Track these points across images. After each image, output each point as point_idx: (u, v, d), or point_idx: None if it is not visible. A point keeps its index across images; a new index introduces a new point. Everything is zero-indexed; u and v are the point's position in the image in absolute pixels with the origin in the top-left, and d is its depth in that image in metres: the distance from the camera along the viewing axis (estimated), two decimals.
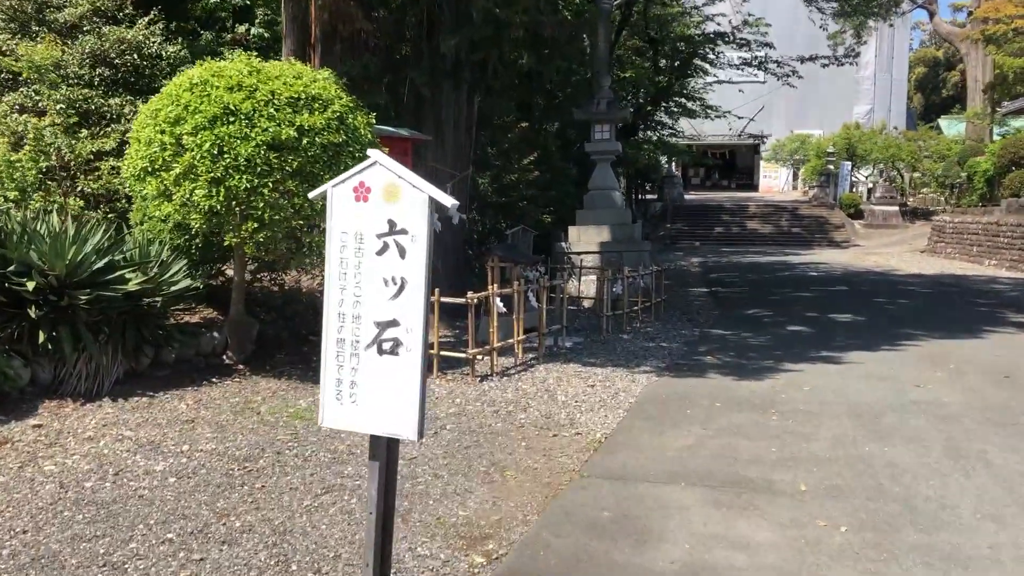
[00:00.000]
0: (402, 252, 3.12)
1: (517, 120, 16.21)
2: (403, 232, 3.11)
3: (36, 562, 4.25)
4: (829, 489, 5.34)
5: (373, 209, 3.15)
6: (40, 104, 11.56)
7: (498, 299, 8.96)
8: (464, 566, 4.32)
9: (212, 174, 7.49)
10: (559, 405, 7.59)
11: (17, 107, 11.72)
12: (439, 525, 4.82)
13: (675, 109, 24.82)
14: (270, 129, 7.54)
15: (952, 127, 48.01)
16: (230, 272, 9.54)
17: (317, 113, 7.88)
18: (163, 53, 13.10)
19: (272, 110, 7.66)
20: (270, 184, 7.49)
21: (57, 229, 7.86)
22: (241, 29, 16.58)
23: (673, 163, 42.14)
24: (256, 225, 7.68)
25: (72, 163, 10.93)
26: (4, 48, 12.64)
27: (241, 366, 8.60)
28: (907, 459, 5.97)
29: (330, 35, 11.20)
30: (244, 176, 7.47)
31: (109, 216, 10.30)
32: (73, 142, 10.96)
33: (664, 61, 21.67)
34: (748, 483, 5.46)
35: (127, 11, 13.35)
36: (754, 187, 53.14)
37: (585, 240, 14.66)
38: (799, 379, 8.70)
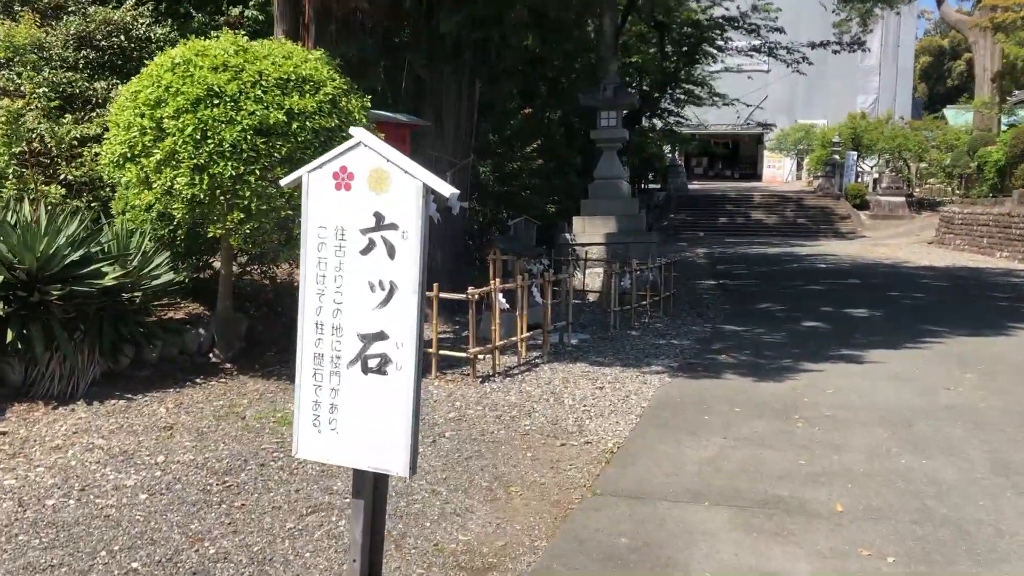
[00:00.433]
0: (391, 251, 2.61)
1: (520, 106, 15.65)
2: (392, 227, 2.60)
3: None
4: (869, 511, 4.83)
5: (357, 200, 2.64)
6: (22, 88, 11.02)
7: (500, 294, 8.44)
8: None
9: (195, 160, 6.97)
10: (566, 409, 7.08)
11: None
12: (437, 553, 4.32)
13: (681, 96, 24.21)
14: (257, 112, 7.03)
15: (958, 117, 47.37)
16: (218, 264, 9.03)
17: (308, 95, 7.35)
18: (152, 35, 12.55)
19: (259, 92, 7.14)
20: (257, 171, 6.97)
21: (29, 219, 7.34)
22: (235, 11, 16.03)
23: (676, 152, 41.54)
24: (242, 216, 7.16)
25: (54, 149, 10.42)
26: None
27: (228, 365, 8.09)
28: (950, 474, 5.46)
29: (324, 16, 10.65)
30: (229, 163, 6.95)
31: (93, 205, 9.79)
32: (55, 127, 10.44)
33: (671, 47, 21.06)
34: (779, 502, 4.95)
35: None
36: (757, 177, 52.56)
37: (590, 231, 14.14)
38: (821, 380, 8.19)
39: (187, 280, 8.54)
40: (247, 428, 6.26)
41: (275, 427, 6.29)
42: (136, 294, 7.56)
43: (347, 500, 4.86)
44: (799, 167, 50.70)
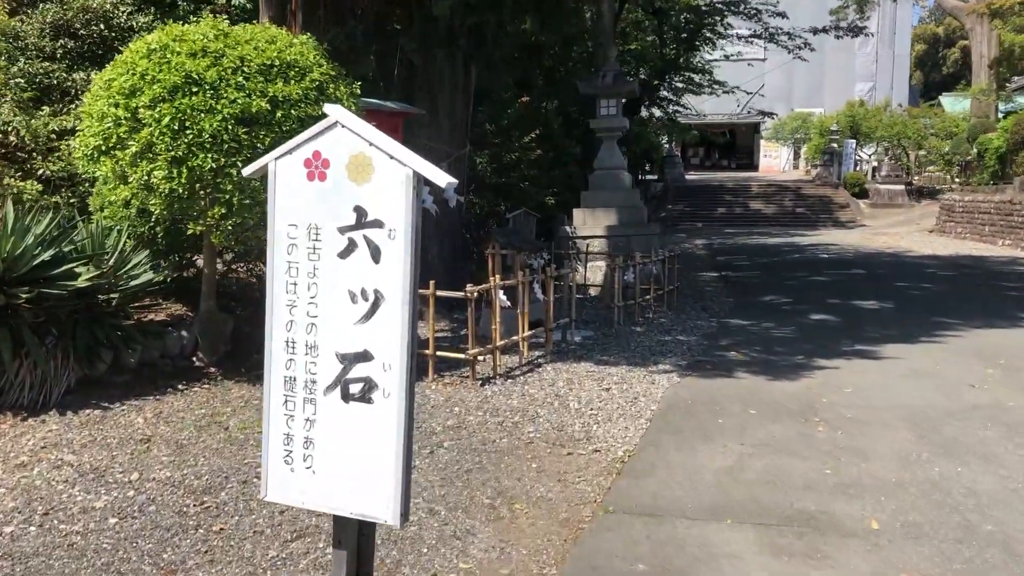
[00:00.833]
0: (375, 254, 2.19)
1: (517, 96, 15.19)
2: (376, 224, 2.18)
3: None
4: (907, 528, 4.42)
5: (334, 192, 2.22)
6: None
7: (501, 292, 8.01)
8: None
9: (173, 152, 6.53)
10: (572, 414, 6.66)
11: None
12: None
13: (680, 84, 23.72)
14: (239, 100, 6.59)
15: (955, 104, 46.94)
16: (202, 263, 8.58)
17: (293, 82, 6.91)
18: (134, 24, 12.07)
19: (241, 79, 6.71)
20: (239, 163, 6.51)
21: None
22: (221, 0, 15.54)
23: (672, 143, 41.09)
24: (224, 211, 6.73)
25: (30, 143, 9.96)
26: None
27: (213, 369, 7.66)
28: (989, 484, 5.05)
29: (312, 0, 10.17)
30: (209, 155, 6.51)
31: (71, 202, 9.35)
32: (30, 120, 9.98)
33: (671, 32, 20.58)
34: (808, 519, 4.54)
35: None
36: (754, 167, 52.14)
37: (591, 223, 13.70)
38: (837, 378, 7.78)
39: (168, 279, 8.10)
40: (230, 440, 5.83)
41: (260, 438, 5.83)
42: (113, 295, 7.12)
43: None
44: (796, 156, 50.33)
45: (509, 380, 7.70)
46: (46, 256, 6.57)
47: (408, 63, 10.69)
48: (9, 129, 9.84)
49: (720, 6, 20.58)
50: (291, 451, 2.33)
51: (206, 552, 4.16)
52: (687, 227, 31.33)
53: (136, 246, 7.73)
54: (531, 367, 8.22)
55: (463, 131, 11.45)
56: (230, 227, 6.80)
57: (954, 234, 27.47)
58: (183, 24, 7.84)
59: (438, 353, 7.67)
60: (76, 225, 7.46)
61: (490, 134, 13.63)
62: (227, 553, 4.15)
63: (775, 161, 51.76)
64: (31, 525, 4.44)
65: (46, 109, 10.52)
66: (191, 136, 6.49)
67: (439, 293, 7.64)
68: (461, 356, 7.62)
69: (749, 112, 31.96)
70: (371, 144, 2.17)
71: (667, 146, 39.89)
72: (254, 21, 9.85)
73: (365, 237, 2.22)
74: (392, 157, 2.15)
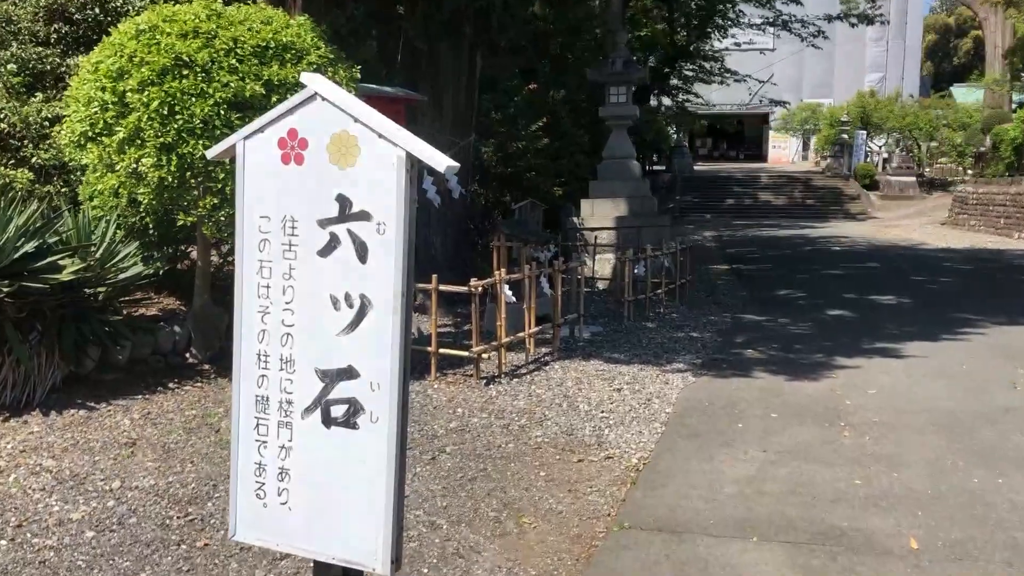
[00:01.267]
0: (362, 251, 1.85)
1: (523, 83, 14.79)
2: (363, 216, 1.84)
3: None
4: (949, 547, 4.06)
5: (313, 177, 1.87)
6: None
7: (507, 287, 7.66)
8: None
9: (162, 139, 6.20)
10: (582, 417, 6.32)
11: None
12: None
13: (689, 73, 23.27)
14: (232, 84, 6.25)
15: (968, 95, 46.44)
16: (196, 255, 8.25)
17: (289, 65, 6.56)
18: (131, 7, 11.73)
19: (234, 61, 6.36)
20: None
21: None
22: None
23: (680, 133, 40.65)
24: (217, 201, 6.39)
25: (22, 130, 9.63)
26: None
27: (206, 366, 7.33)
28: None
29: None
30: (201, 141, 6.16)
31: (63, 191, 9.03)
32: (21, 106, 9.64)
33: (681, 19, 20.13)
34: (840, 536, 4.19)
35: None
36: (763, 158, 51.71)
37: (599, 214, 13.32)
38: (860, 378, 7.42)
39: (160, 272, 7.76)
40: (220, 443, 5.49)
41: None
42: (100, 289, 6.79)
43: None
44: (805, 147, 49.90)
45: (515, 379, 7.35)
46: (29, 248, 6.23)
47: (411, 48, 10.31)
48: (0, 116, 9.52)
49: None
50: (263, 483, 2.00)
51: (188, 571, 3.84)
52: (695, 218, 30.94)
53: (126, 237, 7.39)
54: (538, 365, 7.87)
55: (468, 119, 11.08)
56: (223, 218, 6.46)
57: (967, 226, 27.03)
58: (175, 4, 7.49)
59: (440, 350, 7.33)
60: (62, 215, 7.12)
61: (496, 122, 13.24)
62: (210, 572, 3.82)
63: (784, 152, 51.33)
64: (1, 538, 4.11)
65: (39, 95, 10.18)
66: (181, 121, 6.16)
67: (442, 287, 7.29)
68: (465, 354, 7.28)
69: (761, 101, 31.48)
70: (356, 120, 1.84)
71: (675, 136, 39.45)
72: (249, 1, 9.50)
73: (349, 232, 1.88)
74: (381, 136, 1.81)
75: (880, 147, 42.33)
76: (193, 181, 6.39)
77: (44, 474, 4.92)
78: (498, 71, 13.61)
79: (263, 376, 1.99)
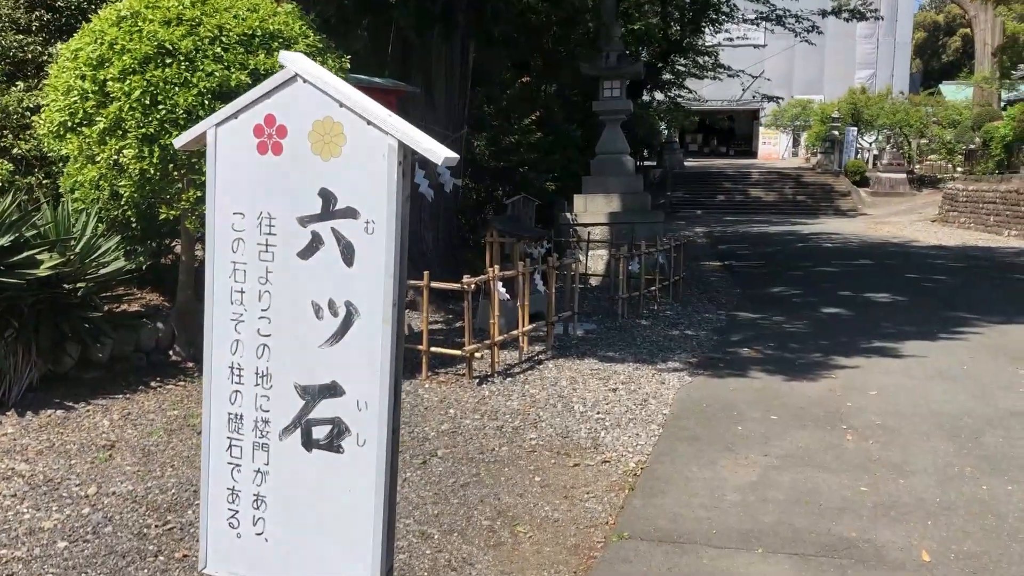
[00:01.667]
0: (348, 253, 1.67)
1: (516, 76, 14.58)
2: (349, 214, 1.66)
3: None
4: (963, 560, 3.90)
5: (293, 169, 1.68)
6: None
7: (500, 284, 7.46)
8: None
9: (144, 130, 5.98)
10: (577, 418, 6.13)
11: None
12: None
13: (682, 68, 23.08)
14: (216, 73, 6.04)
15: (958, 92, 46.42)
16: (180, 249, 8.03)
17: (276, 54, 6.32)
18: None
19: (219, 50, 6.14)
20: None
21: None
22: None
23: (671, 129, 40.48)
24: (200, 194, 6.17)
25: (1, 120, 9.37)
26: None
27: (190, 364, 7.13)
28: None
29: None
30: (184, 132, 5.93)
31: (44, 183, 8.79)
32: (1, 96, 9.38)
33: (675, 13, 19.92)
34: (849, 548, 4.02)
35: None
36: (753, 154, 51.62)
37: (592, 210, 13.14)
38: (860, 379, 7.26)
39: (143, 267, 7.54)
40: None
41: None
42: (80, 285, 6.56)
43: None
44: (795, 143, 49.83)
45: (508, 378, 7.17)
46: (4, 241, 6.01)
47: (403, 39, 10.09)
48: None
49: None
50: (237, 511, 1.81)
51: None
52: (687, 214, 30.82)
53: (108, 231, 7.16)
54: (531, 364, 7.68)
55: (460, 112, 10.87)
56: (206, 211, 6.24)
57: (957, 224, 26.98)
58: None
59: (432, 349, 7.13)
60: (40, 207, 6.88)
61: (488, 116, 13.03)
62: None
63: (774, 148, 51.25)
64: None
65: (20, 84, 9.93)
66: (164, 112, 5.95)
67: (434, 285, 7.09)
68: (457, 352, 7.08)
69: (754, 97, 31.32)
70: (342, 105, 1.64)
71: (666, 132, 39.29)
72: None
73: (334, 231, 1.69)
74: (370, 123, 1.62)
75: (870, 144, 42.31)
76: (176, 173, 6.19)
77: (16, 479, 4.70)
78: (490, 64, 13.39)
79: (236, 392, 1.79)
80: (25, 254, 6.10)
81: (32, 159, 9.14)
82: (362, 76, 8.28)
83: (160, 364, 7.08)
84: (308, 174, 1.71)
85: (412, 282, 7.02)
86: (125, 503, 4.43)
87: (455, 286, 7.06)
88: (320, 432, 1.75)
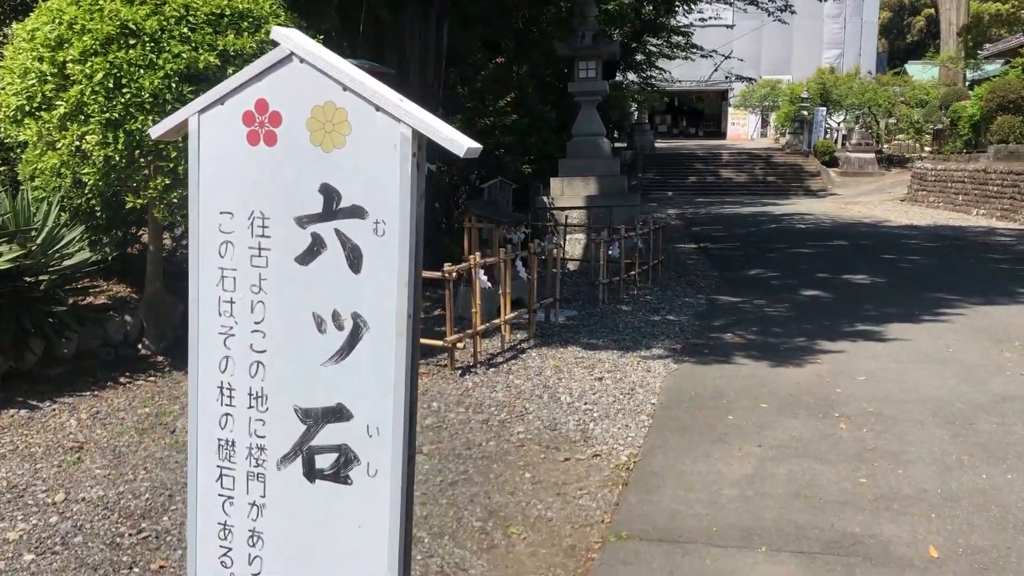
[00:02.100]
0: (354, 258, 1.47)
1: (488, 57, 14.32)
2: (355, 213, 1.47)
3: None
4: (972, 555, 3.78)
5: (289, 162, 1.48)
6: None
7: (481, 271, 7.26)
8: None
9: (107, 114, 5.71)
10: (564, 409, 5.97)
11: None
12: None
13: (654, 48, 22.91)
14: (183, 55, 5.78)
15: (924, 72, 46.71)
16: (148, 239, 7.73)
17: (246, 35, 6.10)
18: None
19: (186, 30, 5.89)
20: None
21: None
22: None
23: (641, 110, 40.35)
24: (168, 181, 5.92)
25: None
26: None
27: (160, 358, 6.87)
28: None
29: None
30: (150, 116, 5.69)
31: (1, 170, 8.42)
32: None
33: None
34: (854, 545, 3.89)
35: None
36: (722, 135, 51.71)
37: (569, 194, 12.95)
38: (846, 364, 7.17)
39: (109, 258, 7.24)
40: (176, 445, 5.05)
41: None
42: (43, 277, 6.27)
43: None
44: (764, 124, 49.93)
45: (491, 368, 6.98)
46: None
47: (375, 18, 9.80)
48: None
49: None
50: (230, 549, 1.60)
51: None
52: (658, 196, 30.72)
53: (71, 221, 6.86)
54: (514, 353, 7.51)
55: (435, 93, 10.62)
56: (176, 199, 6.00)
57: (926, 203, 27.13)
58: None
59: None
60: None
61: (463, 98, 12.77)
62: None
63: (743, 129, 51.36)
64: None
65: None
66: (128, 95, 5.68)
67: None
68: (439, 343, 6.88)
69: (727, 77, 31.20)
70: (346, 89, 1.44)
71: (636, 113, 39.16)
72: None
73: (338, 232, 1.48)
74: (379, 108, 1.42)
75: (839, 124, 42.49)
76: (143, 160, 5.92)
77: None
78: (463, 44, 13.11)
79: (227, 415, 1.58)
80: None
81: None
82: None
83: (129, 359, 6.81)
84: (307, 168, 1.50)
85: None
86: (96, 510, 4.20)
87: (435, 274, 6.84)
88: (324, 461, 1.55)
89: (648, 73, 24.88)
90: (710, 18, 23.00)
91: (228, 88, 1.56)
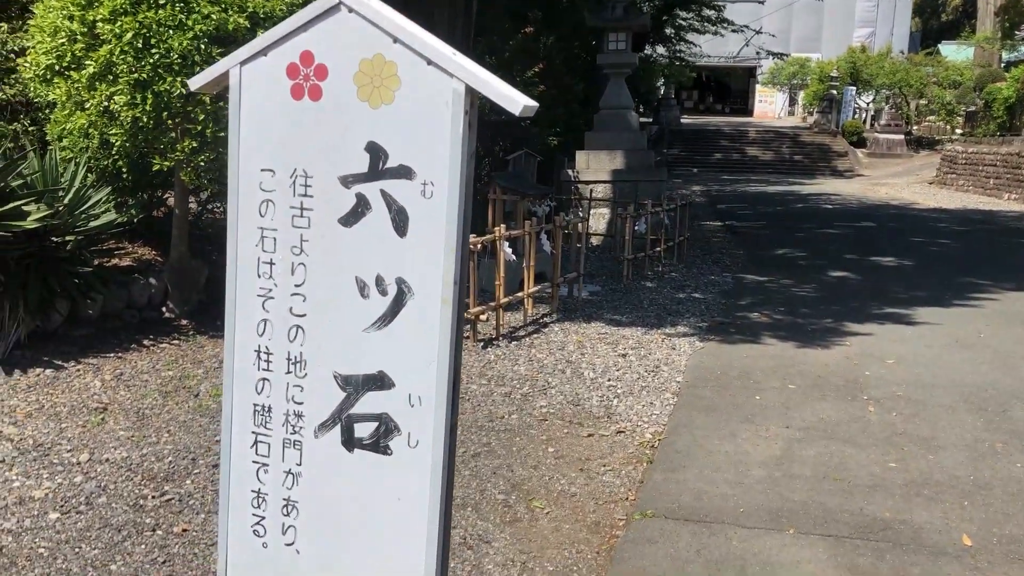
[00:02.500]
0: (400, 220, 1.41)
1: (516, 28, 14.13)
2: (402, 173, 1.40)
3: None
4: (1007, 545, 3.71)
5: (334, 118, 1.41)
6: None
7: (506, 243, 7.19)
8: None
9: (136, 75, 5.66)
10: (587, 385, 5.91)
11: None
12: None
13: (683, 22, 22.56)
14: (213, 16, 5.71)
15: (956, 53, 45.89)
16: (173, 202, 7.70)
17: None
18: None
19: None
20: None
21: None
22: None
23: (668, 84, 39.89)
24: (196, 144, 5.88)
25: None
26: None
27: (184, 321, 6.86)
28: None
29: None
30: (178, 78, 5.64)
31: (30, 129, 8.41)
32: None
33: None
34: (884, 529, 3.83)
35: None
36: (749, 112, 51.14)
37: (595, 167, 12.82)
38: (875, 346, 7.06)
39: (134, 220, 7.22)
40: (200, 409, 5.05)
41: None
42: (69, 238, 6.26)
43: None
44: (792, 102, 49.31)
45: (513, 342, 6.93)
46: None
47: None
48: None
49: None
50: (263, 518, 1.56)
51: (164, 562, 3.41)
52: (683, 172, 30.45)
53: (97, 182, 6.84)
54: (537, 327, 7.45)
55: None
56: (203, 163, 5.96)
57: (956, 186, 26.74)
58: None
59: None
60: (26, 156, 6.55)
61: (490, 68, 12.61)
62: (189, 564, 3.40)
63: (770, 107, 50.74)
64: None
65: (4, 26, 9.48)
66: (157, 56, 5.62)
67: None
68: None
69: (757, 53, 30.76)
70: (396, 41, 1.37)
71: (663, 88, 38.73)
72: None
73: (384, 193, 1.42)
74: (431, 62, 1.35)
75: (868, 104, 41.87)
76: (170, 122, 5.87)
77: (4, 443, 4.46)
78: (490, 13, 12.94)
79: (264, 380, 1.53)
80: (11, 205, 5.77)
81: (17, 105, 8.74)
82: None
83: (153, 321, 6.81)
84: (353, 124, 1.43)
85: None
86: (119, 471, 4.20)
87: None
88: (364, 430, 1.50)
89: (677, 47, 24.51)
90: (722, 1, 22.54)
91: (272, 39, 1.49)
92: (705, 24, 22.86)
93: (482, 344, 6.75)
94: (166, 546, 3.53)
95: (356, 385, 1.49)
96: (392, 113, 1.42)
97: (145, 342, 6.31)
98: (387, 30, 1.41)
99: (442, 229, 1.41)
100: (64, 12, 5.92)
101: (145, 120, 5.69)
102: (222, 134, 5.79)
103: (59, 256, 6.20)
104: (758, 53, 29.64)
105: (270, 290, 1.53)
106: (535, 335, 7.17)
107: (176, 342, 6.39)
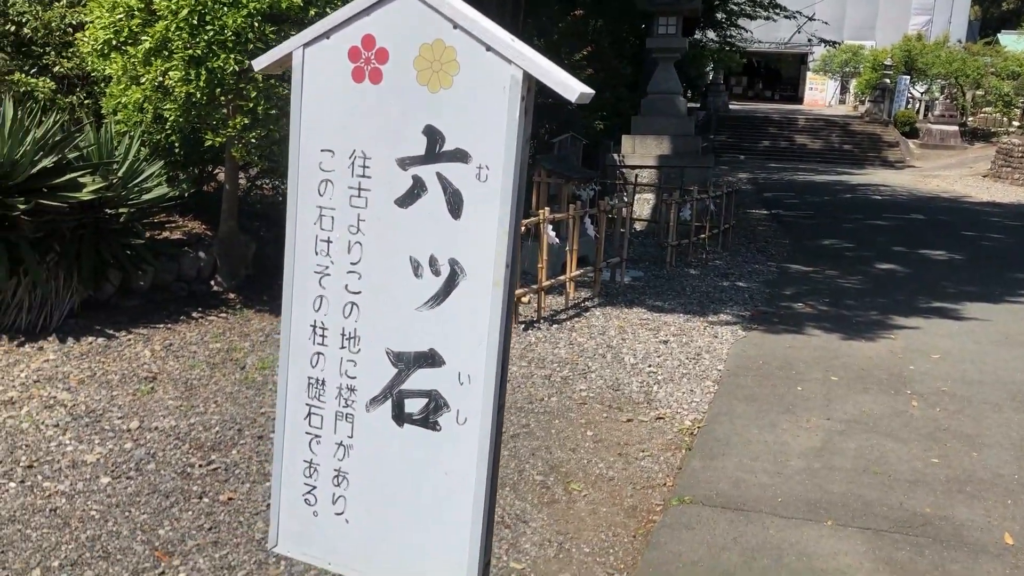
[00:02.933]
0: (455, 203, 1.43)
1: (565, 10, 14.07)
2: (458, 157, 1.43)
3: None
4: None
5: (393, 101, 1.44)
6: None
7: (550, 226, 7.20)
8: None
9: (190, 51, 5.76)
10: (628, 370, 5.92)
11: None
12: None
13: (734, 6, 22.25)
14: None
15: (1016, 43, 44.69)
16: (223, 177, 7.83)
17: None
18: None
19: None
20: None
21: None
22: None
23: (717, 70, 39.38)
24: (247, 121, 5.97)
25: (44, 36, 9.15)
26: None
27: (232, 295, 6.99)
28: None
29: None
30: (232, 55, 5.73)
31: (86, 103, 8.59)
32: (42, 11, 9.15)
33: None
34: (924, 525, 3.80)
35: None
36: (798, 99, 50.39)
37: (641, 152, 12.75)
38: (920, 341, 6.97)
39: (186, 195, 7.36)
40: (246, 382, 5.15)
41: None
42: (122, 210, 6.40)
43: None
44: (843, 91, 48.48)
45: (555, 325, 6.96)
46: (47, 163, 5.83)
47: None
48: (23, 20, 9.04)
49: None
50: (315, 487, 1.61)
51: (210, 529, 3.51)
52: (729, 159, 30.10)
53: (150, 156, 6.98)
54: (578, 311, 7.46)
55: None
56: (254, 139, 6.05)
57: (1011, 180, 26.11)
58: None
59: None
60: (83, 129, 6.69)
61: (539, 50, 12.58)
62: (234, 532, 3.49)
63: (820, 95, 49.93)
64: (11, 480, 3.80)
65: (63, 0, 9.68)
66: (211, 33, 5.70)
67: None
68: None
69: (810, 40, 30.25)
70: (456, 27, 1.39)
71: (711, 73, 38.27)
72: None
73: (439, 176, 1.46)
74: (490, 48, 1.38)
75: (922, 94, 41.01)
76: (223, 99, 5.97)
77: (58, 408, 4.59)
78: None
79: (318, 354, 1.58)
80: (67, 176, 5.93)
81: (74, 78, 8.93)
82: None
83: (201, 294, 6.94)
84: (412, 108, 1.47)
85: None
86: (168, 439, 4.31)
87: None
88: (414, 405, 1.54)
89: (727, 32, 24.18)
90: None
91: (334, 22, 1.53)
92: (757, 9, 22.50)
93: (523, 326, 6.79)
94: (212, 513, 3.63)
95: (408, 361, 1.53)
96: (450, 97, 1.45)
97: (194, 314, 6.43)
98: (447, 15, 1.44)
99: (496, 212, 1.44)
100: None
101: (198, 96, 5.79)
102: (273, 112, 5.88)
103: (112, 228, 6.35)
104: (810, 40, 29.13)
105: (327, 267, 1.57)
106: (576, 319, 7.18)
107: (224, 315, 6.51)
